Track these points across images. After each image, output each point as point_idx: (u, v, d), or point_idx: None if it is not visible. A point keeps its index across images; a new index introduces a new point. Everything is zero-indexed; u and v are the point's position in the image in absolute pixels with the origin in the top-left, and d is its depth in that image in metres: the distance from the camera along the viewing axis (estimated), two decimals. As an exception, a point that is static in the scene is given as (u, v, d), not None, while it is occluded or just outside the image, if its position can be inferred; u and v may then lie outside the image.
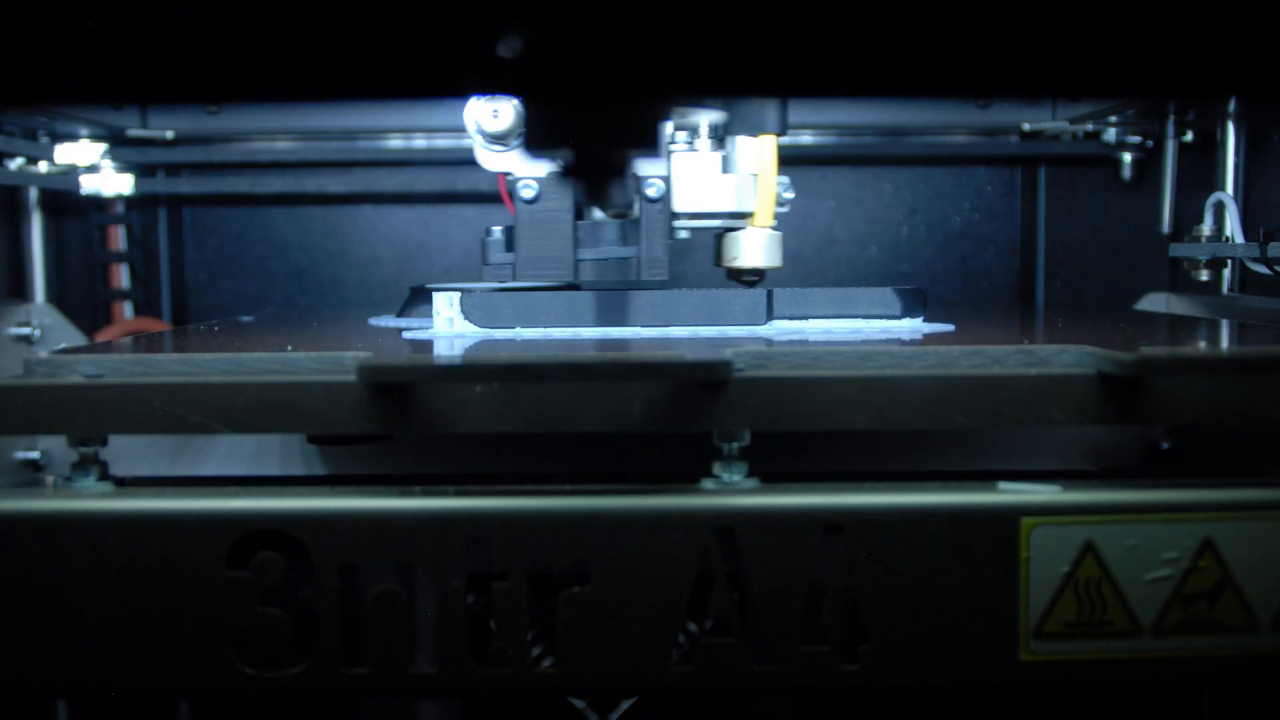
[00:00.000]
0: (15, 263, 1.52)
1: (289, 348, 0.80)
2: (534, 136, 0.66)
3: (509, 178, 1.02)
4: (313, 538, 0.69)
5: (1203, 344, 0.85)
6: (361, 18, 0.55)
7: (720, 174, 1.06)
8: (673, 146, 1.06)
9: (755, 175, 1.05)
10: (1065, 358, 0.75)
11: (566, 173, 0.67)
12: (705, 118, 1.06)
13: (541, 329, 0.96)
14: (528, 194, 1.01)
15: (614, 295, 0.96)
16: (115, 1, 0.56)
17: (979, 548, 0.70)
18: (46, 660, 0.70)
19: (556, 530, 0.70)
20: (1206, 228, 1.36)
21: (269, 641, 0.70)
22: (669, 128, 1.06)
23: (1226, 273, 1.41)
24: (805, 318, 0.97)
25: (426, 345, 0.90)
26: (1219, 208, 1.35)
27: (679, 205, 1.05)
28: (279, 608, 0.70)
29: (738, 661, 0.70)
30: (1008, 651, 0.70)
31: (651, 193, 1.04)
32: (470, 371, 0.71)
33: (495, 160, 1.03)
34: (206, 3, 0.56)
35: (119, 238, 1.60)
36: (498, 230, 1.04)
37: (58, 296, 1.55)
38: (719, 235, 1.08)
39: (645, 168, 1.04)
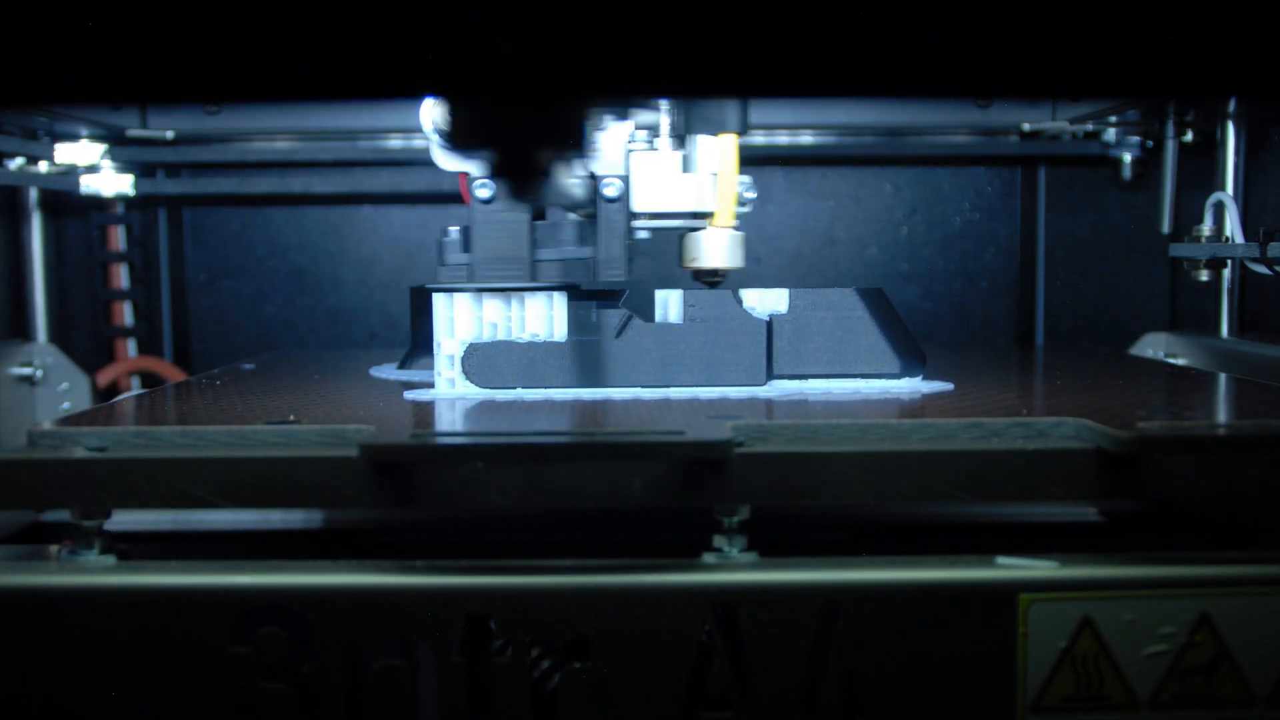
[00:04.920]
0: (15, 263, 1.52)
1: (291, 417, 0.80)
2: (458, 136, 0.65)
3: (468, 177, 1.00)
4: (316, 613, 0.70)
5: (1201, 413, 0.85)
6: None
7: (680, 173, 1.03)
8: (631, 145, 1.03)
9: (715, 175, 1.03)
10: (1063, 430, 0.75)
11: (492, 173, 0.65)
12: (665, 116, 1.04)
13: (543, 390, 0.96)
14: (483, 194, 0.97)
15: (617, 356, 0.96)
16: (115, 1, 0.56)
17: (977, 623, 0.70)
18: (52, 734, 0.71)
19: (557, 607, 0.70)
20: (1206, 228, 1.37)
21: (272, 717, 0.70)
22: (629, 126, 1.03)
23: (1226, 273, 1.41)
24: (805, 377, 0.97)
25: (428, 409, 0.90)
26: (1219, 208, 1.35)
27: (638, 205, 1.02)
28: (282, 683, 0.70)
29: (737, 735, 0.71)
30: (1005, 726, 0.71)
31: (610, 192, 1.01)
32: (472, 452, 0.71)
33: (452, 160, 1.02)
34: (205, 3, 0.56)
35: (119, 238, 1.59)
36: (454, 230, 1.01)
37: (57, 297, 1.56)
38: (682, 236, 1.05)
39: (605, 167, 1.01)
